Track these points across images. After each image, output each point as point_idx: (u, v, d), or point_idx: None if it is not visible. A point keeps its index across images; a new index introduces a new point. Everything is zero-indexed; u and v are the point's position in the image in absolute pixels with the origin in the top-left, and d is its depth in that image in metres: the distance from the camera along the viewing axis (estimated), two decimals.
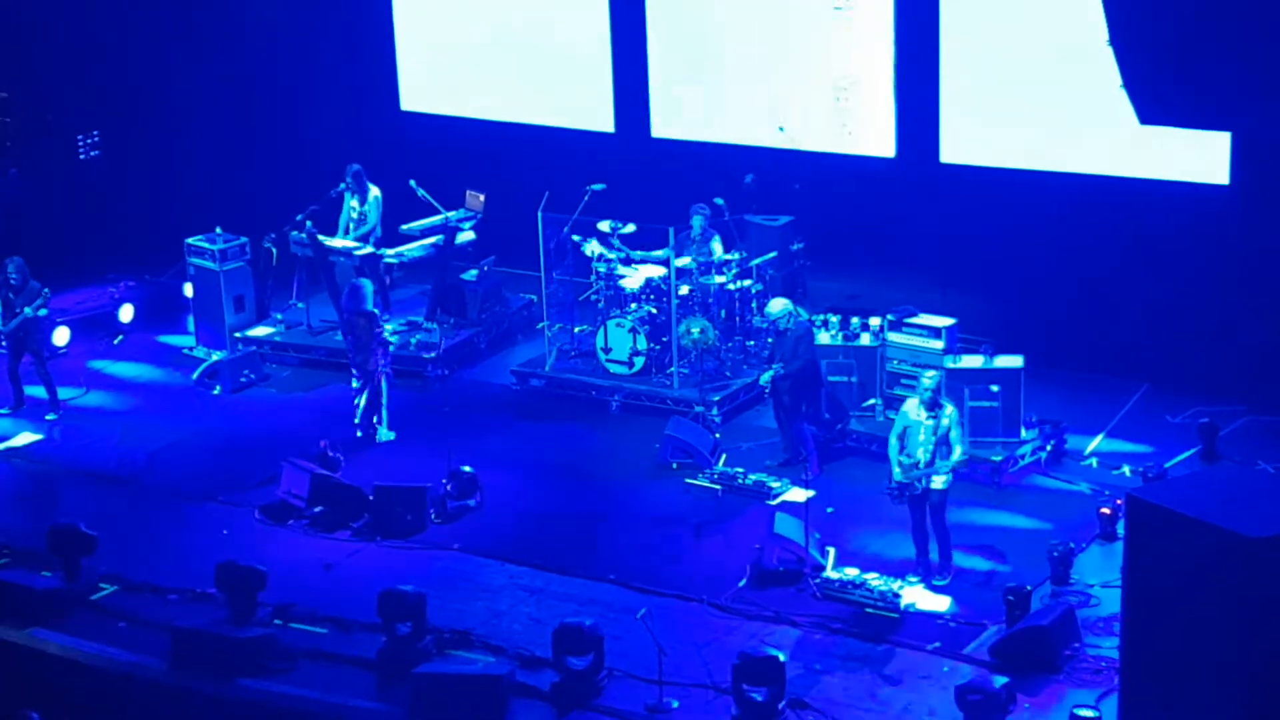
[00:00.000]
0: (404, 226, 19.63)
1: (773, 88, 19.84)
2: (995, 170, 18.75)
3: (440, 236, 19.51)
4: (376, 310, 17.46)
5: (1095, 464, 16.33)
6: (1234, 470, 15.26)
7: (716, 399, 17.36)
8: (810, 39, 19.50)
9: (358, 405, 17.21)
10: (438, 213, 19.53)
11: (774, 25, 19.73)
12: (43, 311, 17.98)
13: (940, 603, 13.99)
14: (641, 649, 12.99)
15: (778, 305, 16.49)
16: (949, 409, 14.25)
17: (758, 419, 17.36)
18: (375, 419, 17.19)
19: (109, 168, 22.28)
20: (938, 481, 14.14)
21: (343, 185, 19.46)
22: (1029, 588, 13.57)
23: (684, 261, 17.72)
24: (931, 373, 14.54)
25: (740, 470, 16.15)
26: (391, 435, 17.23)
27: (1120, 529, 13.71)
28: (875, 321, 16.94)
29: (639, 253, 18.24)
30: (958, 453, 14.14)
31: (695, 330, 17.56)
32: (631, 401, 17.79)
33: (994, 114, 18.66)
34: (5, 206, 21.29)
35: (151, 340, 20.16)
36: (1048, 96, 18.23)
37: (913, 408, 14.29)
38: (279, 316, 19.77)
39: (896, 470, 14.22)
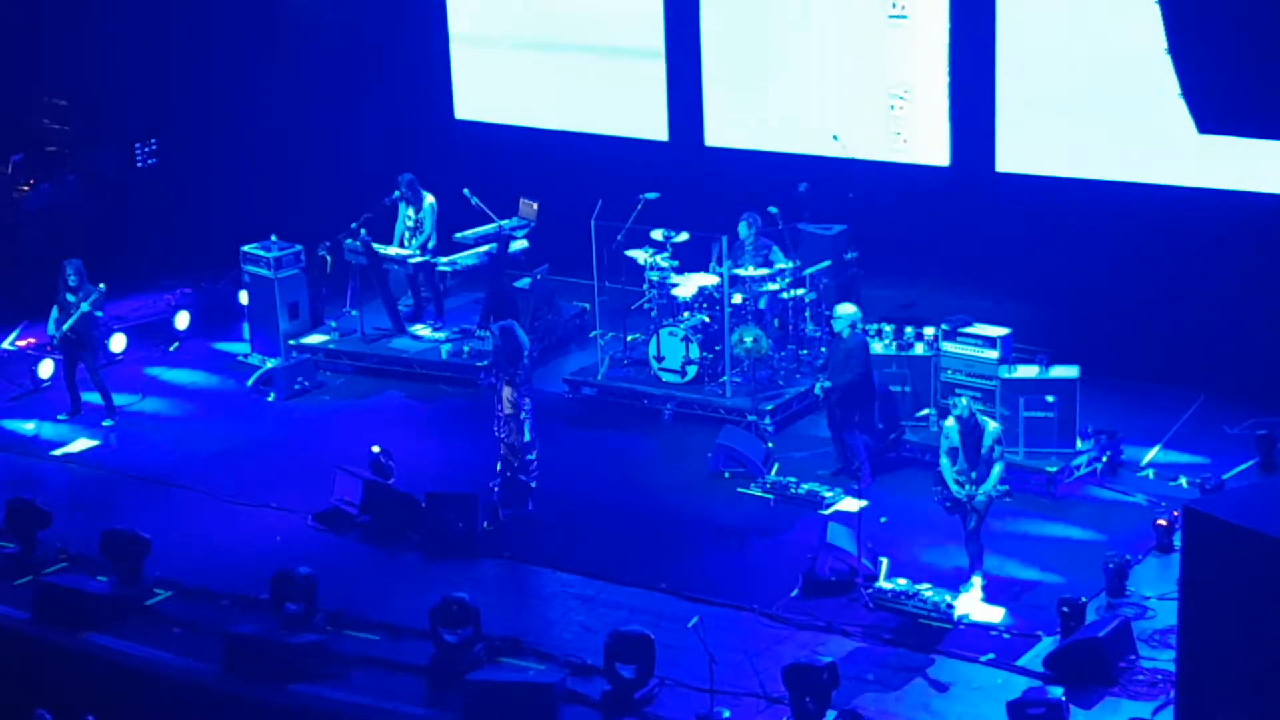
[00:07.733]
0: (457, 234, 19.68)
1: (827, 96, 19.79)
2: (1051, 179, 18.64)
3: (493, 245, 19.54)
4: (526, 347, 16.14)
5: (1152, 475, 16.18)
6: None
7: (769, 408, 17.31)
8: (865, 47, 19.44)
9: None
10: (491, 221, 19.56)
11: (828, 33, 19.68)
12: (99, 313, 18.04)
13: (994, 614, 13.89)
14: (693, 658, 12.96)
15: (845, 310, 16.33)
16: (991, 425, 14.14)
17: (810, 428, 17.29)
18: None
19: (166, 175, 22.41)
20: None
21: (397, 194, 19.53)
22: (1084, 599, 13.46)
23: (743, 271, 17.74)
24: (964, 399, 14.32)
25: (793, 479, 16.10)
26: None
27: (1177, 541, 13.56)
28: (929, 331, 16.84)
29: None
30: (996, 473, 14.03)
31: (748, 339, 17.51)
32: (684, 410, 17.76)
33: (1049, 122, 18.55)
34: (64, 213, 21.47)
35: (207, 347, 20.27)
36: (1104, 105, 18.12)
37: (954, 428, 14.18)
38: (333, 324, 19.83)
39: (955, 488, 14.12)
